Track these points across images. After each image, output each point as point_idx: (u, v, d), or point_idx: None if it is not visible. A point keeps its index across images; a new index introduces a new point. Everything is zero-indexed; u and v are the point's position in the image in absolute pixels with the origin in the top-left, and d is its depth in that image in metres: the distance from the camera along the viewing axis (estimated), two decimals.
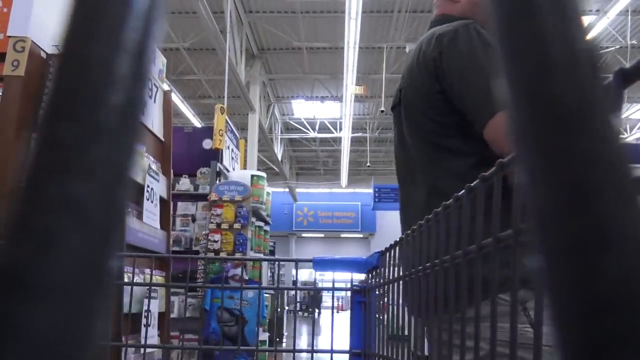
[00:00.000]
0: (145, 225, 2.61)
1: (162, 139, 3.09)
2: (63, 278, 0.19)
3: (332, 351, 1.55)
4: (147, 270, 2.51)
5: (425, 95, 1.23)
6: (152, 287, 2.53)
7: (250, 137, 12.40)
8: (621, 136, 0.21)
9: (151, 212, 2.68)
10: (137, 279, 2.49)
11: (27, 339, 0.18)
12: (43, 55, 2.57)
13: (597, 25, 10.54)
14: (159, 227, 2.81)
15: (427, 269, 0.83)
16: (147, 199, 2.62)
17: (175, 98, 13.21)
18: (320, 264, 1.65)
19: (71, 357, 0.19)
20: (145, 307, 2.41)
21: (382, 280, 1.34)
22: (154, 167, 2.77)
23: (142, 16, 0.22)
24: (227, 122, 5.72)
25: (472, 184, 0.64)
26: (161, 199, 2.93)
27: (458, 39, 1.20)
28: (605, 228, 0.19)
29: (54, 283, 0.19)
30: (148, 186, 2.62)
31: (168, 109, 3.14)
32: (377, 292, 1.44)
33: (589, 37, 0.21)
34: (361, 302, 1.55)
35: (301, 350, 1.85)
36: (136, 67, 0.22)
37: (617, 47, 11.67)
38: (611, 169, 0.20)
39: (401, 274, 1.09)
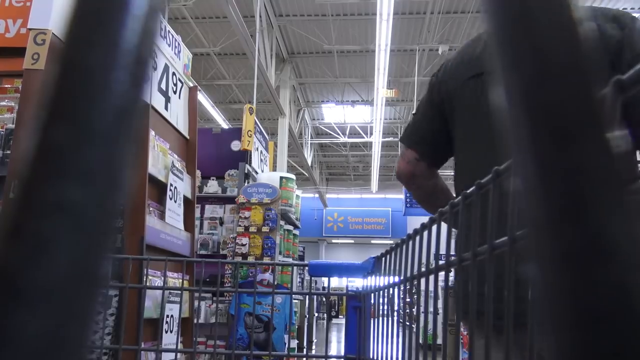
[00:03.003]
0: (168, 225, 2.48)
1: (187, 136, 2.97)
2: (55, 282, 0.19)
3: (326, 356, 1.54)
4: (170, 274, 2.38)
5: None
6: (175, 292, 2.40)
7: (280, 142, 12.32)
8: (616, 146, 0.21)
9: (174, 212, 2.55)
10: (159, 283, 2.36)
11: (18, 344, 0.18)
12: None
13: None
14: (182, 228, 2.69)
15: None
16: (170, 198, 2.50)
17: (206, 103, 13.27)
18: (316, 269, 1.66)
19: None
20: (166, 312, 2.28)
21: (377, 286, 1.32)
22: (177, 165, 2.65)
23: (141, 20, 0.23)
24: (256, 123, 5.61)
25: (466, 192, 0.65)
26: (186, 199, 2.80)
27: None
28: (600, 238, 0.19)
29: (45, 288, 0.19)
30: (171, 185, 2.49)
31: (193, 105, 3.02)
32: (372, 297, 1.41)
33: (585, 46, 0.21)
34: (356, 307, 1.54)
35: (298, 355, 1.83)
36: (134, 71, 0.22)
37: None
38: (606, 179, 0.20)
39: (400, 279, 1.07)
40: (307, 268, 1.73)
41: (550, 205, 0.20)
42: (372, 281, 1.44)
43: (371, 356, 1.39)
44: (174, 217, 2.55)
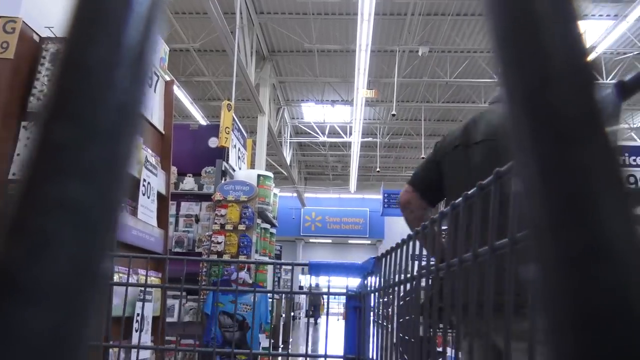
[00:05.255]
0: (140, 222, 2.42)
1: (162, 131, 2.91)
2: (56, 280, 0.19)
3: (325, 356, 1.55)
4: (142, 271, 2.32)
5: None
6: (147, 290, 2.35)
7: (259, 140, 12.24)
8: (618, 147, 0.21)
9: (147, 208, 2.49)
10: (130, 280, 2.30)
11: (20, 340, 0.18)
12: (35, 37, 2.41)
13: (615, 30, 10.31)
14: (155, 224, 2.63)
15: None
16: (143, 194, 2.44)
17: (185, 99, 13.11)
18: (316, 268, 1.67)
19: (63, 358, 0.19)
20: (137, 311, 2.22)
21: (379, 286, 1.35)
22: (151, 160, 2.59)
23: (143, 18, 0.23)
24: (234, 119, 5.54)
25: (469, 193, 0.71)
26: (160, 196, 2.74)
27: None
28: (601, 238, 0.19)
29: (47, 285, 0.19)
30: (144, 180, 2.44)
31: (169, 100, 2.96)
32: (372, 298, 1.45)
33: (587, 48, 0.21)
34: (356, 307, 1.55)
35: (297, 355, 1.95)
36: (136, 69, 0.22)
37: (636, 53, 11.41)
38: (607, 180, 0.20)
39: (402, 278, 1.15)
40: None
41: (551, 206, 0.20)
42: (371, 282, 1.47)
43: (371, 356, 1.38)
44: (147, 214, 2.49)
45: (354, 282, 1.66)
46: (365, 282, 1.53)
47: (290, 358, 1.73)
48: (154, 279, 2.54)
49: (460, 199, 0.77)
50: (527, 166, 0.21)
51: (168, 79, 3.02)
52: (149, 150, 2.64)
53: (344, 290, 1.66)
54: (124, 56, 0.22)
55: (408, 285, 1.10)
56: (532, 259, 0.21)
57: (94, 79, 0.21)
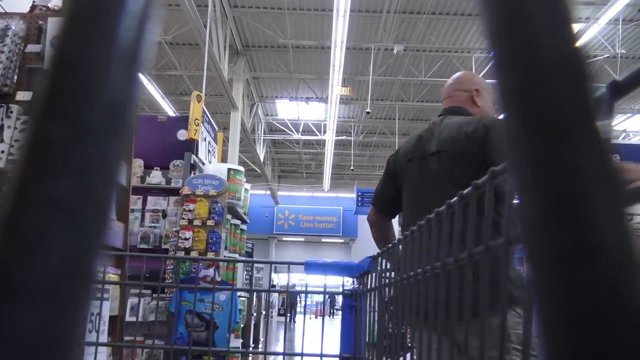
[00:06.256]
0: None
1: None
2: (48, 278, 0.19)
3: (321, 355, 1.56)
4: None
5: (470, 160, 1.72)
6: (104, 287, 2.18)
7: (232, 136, 12.04)
8: (610, 146, 0.21)
9: None
10: None
11: (11, 338, 0.18)
12: None
13: (587, 33, 10.43)
14: (114, 217, 2.46)
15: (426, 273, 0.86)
16: None
17: (156, 94, 12.82)
18: (312, 267, 1.68)
19: (55, 357, 0.19)
20: (91, 310, 2.06)
21: (374, 285, 1.37)
22: None
23: (136, 16, 0.22)
24: (204, 112, 5.36)
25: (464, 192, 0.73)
26: (120, 187, 2.57)
27: (500, 127, 1.70)
28: (593, 238, 0.20)
29: (39, 283, 0.19)
30: None
31: None
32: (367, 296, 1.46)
33: (580, 46, 0.21)
34: (352, 306, 1.56)
35: (288, 354, 1.85)
36: (129, 68, 0.22)
37: (606, 55, 11.58)
38: (599, 180, 0.20)
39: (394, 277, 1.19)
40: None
41: (543, 205, 0.20)
42: (367, 281, 1.49)
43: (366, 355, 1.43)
44: None
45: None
46: (362, 281, 1.55)
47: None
48: (112, 275, 2.38)
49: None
50: (519, 165, 0.21)
51: None
52: None
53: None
54: (117, 55, 0.22)
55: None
56: (525, 258, 0.21)
57: (86, 78, 0.21)
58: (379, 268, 1.35)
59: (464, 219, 0.68)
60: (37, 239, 0.19)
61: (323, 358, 1.57)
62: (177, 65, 13.18)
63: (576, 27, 0.21)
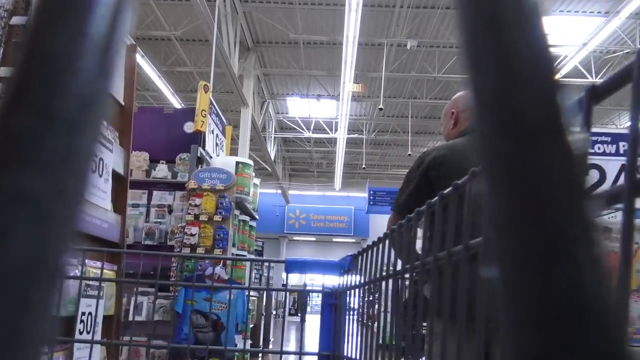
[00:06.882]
0: (90, 204, 2.07)
1: (122, 102, 2.54)
2: (10, 273, 0.19)
3: (300, 353, 1.55)
4: (90, 262, 1.97)
5: None
6: (94, 285, 2.00)
7: (242, 134, 11.87)
8: (579, 149, 0.21)
9: (99, 188, 2.13)
10: (78, 273, 1.94)
11: None
12: None
13: (606, 27, 10.13)
14: (109, 208, 2.27)
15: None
16: (94, 172, 2.08)
17: (166, 91, 12.71)
18: (293, 265, 1.65)
19: (14, 356, 0.19)
20: (82, 309, 1.87)
21: (353, 284, 1.39)
22: (106, 134, 2.23)
23: (110, 8, 0.22)
24: (212, 103, 5.16)
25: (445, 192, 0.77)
26: (117, 175, 2.38)
27: None
28: (560, 238, 0.20)
29: (0, 278, 0.19)
30: (96, 156, 2.08)
31: (131, 67, 2.60)
32: (347, 295, 1.48)
33: (551, 51, 0.22)
34: (332, 304, 1.55)
35: (271, 352, 1.87)
36: (101, 60, 0.22)
37: (626, 51, 11.26)
38: (567, 182, 0.20)
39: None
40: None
41: (511, 207, 0.20)
42: (347, 279, 1.49)
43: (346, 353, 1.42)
44: (99, 195, 2.13)
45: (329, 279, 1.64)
46: (342, 279, 1.54)
47: (265, 355, 1.67)
48: (107, 271, 2.19)
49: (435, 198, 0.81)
50: (489, 166, 0.21)
51: (129, 43, 2.66)
52: (104, 122, 2.28)
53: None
54: (89, 46, 0.21)
55: (390, 282, 1.08)
56: (493, 258, 0.21)
57: (56, 68, 0.20)
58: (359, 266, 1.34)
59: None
60: (0, 232, 0.18)
61: (302, 357, 1.56)
62: (187, 61, 13.05)
63: (548, 31, 0.21)
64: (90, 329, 1.89)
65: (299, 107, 16.40)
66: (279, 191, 20.86)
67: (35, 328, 0.19)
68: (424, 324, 1.00)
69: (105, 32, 0.21)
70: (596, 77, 11.88)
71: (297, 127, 17.29)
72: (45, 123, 0.20)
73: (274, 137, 17.31)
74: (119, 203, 2.38)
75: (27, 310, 0.19)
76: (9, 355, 0.18)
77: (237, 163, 4.53)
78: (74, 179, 0.21)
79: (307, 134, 17.41)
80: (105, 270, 2.17)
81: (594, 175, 3.73)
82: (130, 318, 4.02)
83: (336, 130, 15.58)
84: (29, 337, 0.19)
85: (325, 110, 16.12)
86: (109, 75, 0.22)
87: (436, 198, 0.78)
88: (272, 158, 17.02)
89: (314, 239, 23.45)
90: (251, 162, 4.76)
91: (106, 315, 2.17)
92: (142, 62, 11.18)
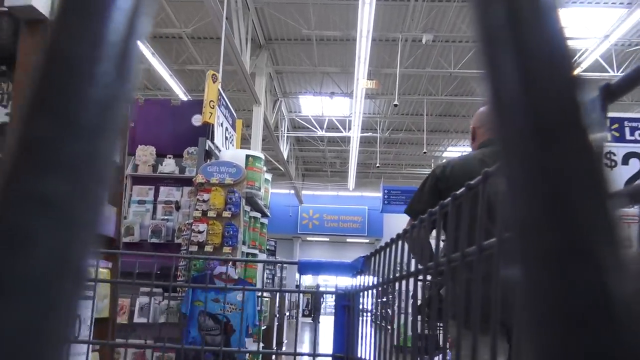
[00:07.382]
0: None
1: None
2: (35, 276, 0.19)
3: (314, 355, 1.55)
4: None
5: None
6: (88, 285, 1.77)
7: (255, 133, 11.67)
8: (599, 149, 0.21)
9: None
10: None
11: None
12: None
13: (628, 19, 9.77)
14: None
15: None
16: None
17: (178, 90, 12.57)
18: (306, 267, 1.65)
19: (41, 355, 0.19)
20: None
21: (366, 285, 1.40)
22: None
23: (128, 13, 0.22)
24: (221, 95, 4.94)
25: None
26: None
27: None
28: (581, 239, 0.20)
29: (25, 281, 0.19)
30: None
31: None
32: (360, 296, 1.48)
33: (570, 47, 0.21)
34: (345, 305, 1.55)
35: (285, 353, 1.70)
36: (120, 65, 0.22)
37: None
38: (588, 182, 0.20)
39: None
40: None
41: (532, 206, 0.20)
42: (360, 280, 1.48)
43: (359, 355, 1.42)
44: None
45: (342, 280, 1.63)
46: (355, 280, 1.53)
47: (279, 357, 1.55)
48: (102, 270, 1.98)
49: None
50: (509, 167, 0.21)
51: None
52: None
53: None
54: (108, 51, 0.21)
55: (404, 283, 1.07)
56: (514, 259, 0.21)
57: (76, 74, 0.21)
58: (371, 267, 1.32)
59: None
60: (24, 237, 0.19)
61: (316, 358, 1.56)
62: (198, 59, 12.90)
63: (565, 26, 0.21)
64: (78, 334, 1.68)
65: (312, 105, 16.19)
66: (292, 191, 20.68)
67: (59, 330, 0.19)
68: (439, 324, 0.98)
69: (123, 36, 0.22)
70: (618, 71, 11.50)
71: (310, 126, 17.07)
72: (66, 128, 0.20)
73: (287, 136, 17.11)
74: (114, 194, 2.18)
75: (52, 312, 0.19)
76: (35, 356, 0.18)
77: (248, 156, 4.31)
78: (94, 183, 0.21)
79: (320, 133, 17.18)
80: (100, 269, 1.96)
81: (634, 165, 3.46)
82: (136, 320, 3.82)
83: (349, 128, 15.34)
84: (53, 338, 0.19)
85: (339, 108, 15.88)
86: (127, 79, 0.22)
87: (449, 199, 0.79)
88: (285, 157, 16.82)
89: (327, 239, 23.24)
90: (262, 155, 4.54)
91: (99, 318, 1.95)
92: (153, 60, 11.04)
